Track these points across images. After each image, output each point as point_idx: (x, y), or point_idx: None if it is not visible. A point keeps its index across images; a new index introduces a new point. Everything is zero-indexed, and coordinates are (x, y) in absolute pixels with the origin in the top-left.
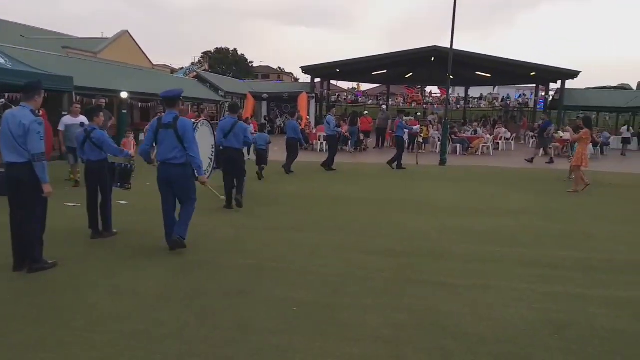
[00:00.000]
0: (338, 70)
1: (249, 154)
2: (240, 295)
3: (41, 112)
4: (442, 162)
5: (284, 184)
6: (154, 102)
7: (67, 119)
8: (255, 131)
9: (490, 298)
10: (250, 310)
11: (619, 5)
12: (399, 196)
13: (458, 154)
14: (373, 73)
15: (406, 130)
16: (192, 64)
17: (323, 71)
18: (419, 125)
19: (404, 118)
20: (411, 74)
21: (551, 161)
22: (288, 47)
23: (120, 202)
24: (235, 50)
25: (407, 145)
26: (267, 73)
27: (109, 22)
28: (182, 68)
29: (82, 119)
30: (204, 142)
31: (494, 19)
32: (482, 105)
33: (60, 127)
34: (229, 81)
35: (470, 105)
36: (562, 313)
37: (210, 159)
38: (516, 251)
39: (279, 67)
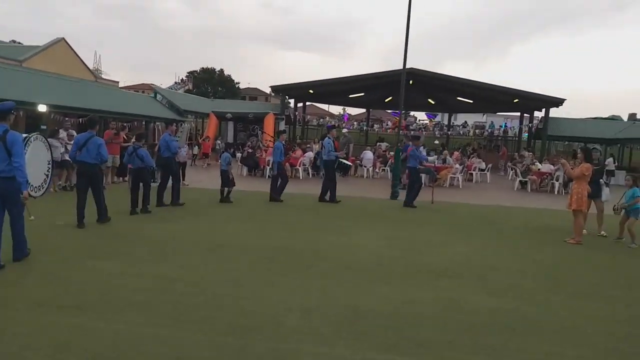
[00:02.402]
0: (311, 92)
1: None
2: None
3: None
4: (393, 195)
5: (178, 221)
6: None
7: None
8: (204, 153)
9: None
10: None
11: (610, 39)
12: (301, 243)
13: (424, 185)
14: (350, 96)
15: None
16: (176, 82)
17: (295, 92)
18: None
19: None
20: (391, 97)
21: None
22: (284, 72)
23: None
24: (221, 71)
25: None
26: (254, 95)
27: (102, 40)
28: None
29: None
30: (39, 156)
31: (489, 49)
32: (466, 132)
33: None
34: (190, 99)
35: (450, 132)
36: None
37: (46, 175)
38: None
39: (271, 91)
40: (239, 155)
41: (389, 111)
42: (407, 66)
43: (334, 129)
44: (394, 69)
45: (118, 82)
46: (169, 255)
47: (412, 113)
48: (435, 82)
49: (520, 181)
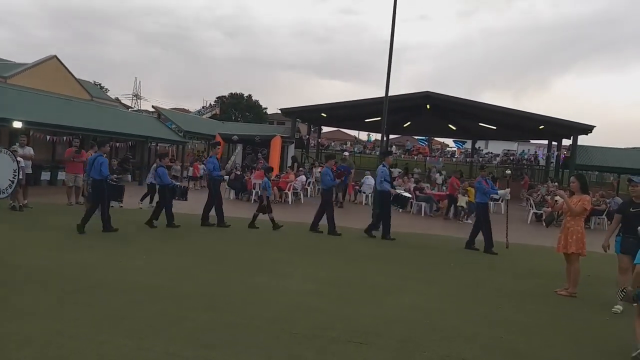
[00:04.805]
0: (324, 115)
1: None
2: None
3: None
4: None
5: (106, 248)
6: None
7: None
8: (193, 176)
9: None
10: None
11: None
12: (208, 286)
13: (423, 214)
14: (366, 120)
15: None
16: (203, 107)
17: (306, 114)
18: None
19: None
20: (409, 122)
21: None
22: (317, 99)
23: None
24: (249, 96)
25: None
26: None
27: (144, 68)
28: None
29: None
30: (4, 166)
31: (529, 79)
32: (485, 160)
33: None
34: (198, 121)
35: (469, 160)
36: None
37: (11, 181)
38: None
39: (281, 114)
40: (226, 177)
41: (417, 137)
42: (425, 89)
43: (389, 155)
44: (414, 91)
45: (118, 102)
46: (23, 295)
47: (442, 140)
48: (455, 107)
49: (534, 213)
